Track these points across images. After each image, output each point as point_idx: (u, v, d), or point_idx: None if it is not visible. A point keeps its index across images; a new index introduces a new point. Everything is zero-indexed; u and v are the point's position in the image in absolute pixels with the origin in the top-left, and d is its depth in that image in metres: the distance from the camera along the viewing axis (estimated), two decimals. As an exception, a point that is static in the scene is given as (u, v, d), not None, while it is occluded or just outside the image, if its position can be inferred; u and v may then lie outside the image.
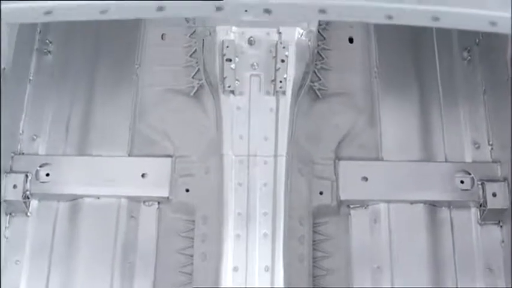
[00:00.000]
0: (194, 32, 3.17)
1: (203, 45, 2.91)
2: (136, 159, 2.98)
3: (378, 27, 3.25)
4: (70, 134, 3.07)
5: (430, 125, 3.07)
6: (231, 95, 2.75)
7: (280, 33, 2.77)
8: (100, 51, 3.23)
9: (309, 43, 2.87)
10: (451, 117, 3.06)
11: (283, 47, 2.73)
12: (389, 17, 2.30)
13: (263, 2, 2.32)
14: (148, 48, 3.20)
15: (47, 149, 3.07)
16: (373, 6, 2.33)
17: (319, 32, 3.09)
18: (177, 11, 2.36)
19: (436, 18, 2.30)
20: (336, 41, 3.21)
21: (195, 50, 3.15)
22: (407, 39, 3.25)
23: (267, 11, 2.30)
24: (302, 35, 2.81)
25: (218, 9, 2.29)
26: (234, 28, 2.77)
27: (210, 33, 2.82)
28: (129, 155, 3.00)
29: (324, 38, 3.22)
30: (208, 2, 2.31)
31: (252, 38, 2.76)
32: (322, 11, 2.31)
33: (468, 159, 3.00)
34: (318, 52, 3.13)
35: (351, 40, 3.24)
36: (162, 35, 3.23)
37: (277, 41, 2.75)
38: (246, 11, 2.30)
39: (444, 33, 3.23)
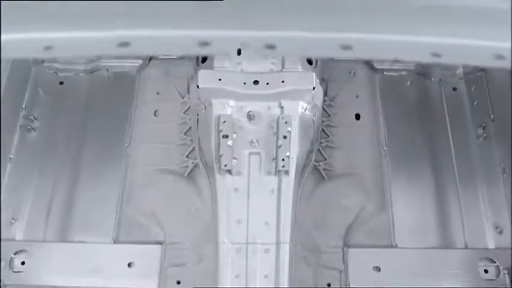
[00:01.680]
0: (189, 108, 3.02)
1: (198, 121, 2.71)
2: (123, 247, 2.74)
3: (386, 103, 3.14)
4: (51, 217, 2.85)
5: (447, 208, 2.87)
6: (228, 175, 2.52)
7: (282, 107, 2.58)
8: (88, 129, 3.09)
9: (314, 118, 2.69)
10: (469, 199, 2.88)
11: (286, 122, 2.54)
12: (436, 55, 1.87)
13: (265, 34, 1.90)
14: (140, 125, 3.06)
15: (25, 233, 2.82)
16: (415, 42, 1.89)
17: (323, 108, 2.97)
18: (145, 48, 1.97)
19: (499, 57, 1.88)
20: (342, 118, 3.07)
21: (190, 127, 2.99)
22: (417, 115, 3.14)
23: (270, 47, 1.90)
24: (306, 109, 2.63)
25: (203, 44, 1.89)
26: (231, 102, 2.58)
27: (206, 107, 2.63)
28: (114, 242, 2.76)
29: (329, 115, 3.08)
30: (190, 34, 1.91)
31: (251, 113, 2.57)
32: (346, 47, 1.88)
33: (491, 245, 2.78)
34: (322, 129, 3.00)
35: (357, 117, 3.09)
36: (154, 112, 3.10)
37: (279, 116, 2.55)
38: (242, 46, 1.89)
39: (456, 109, 3.14)
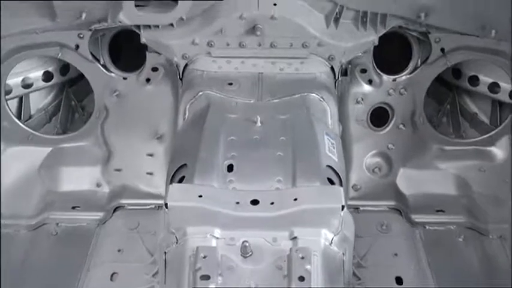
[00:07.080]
0: (158, 272, 2.35)
1: (165, 264, 1.89)
2: None
3: (436, 265, 2.57)
4: None
5: None
6: None
7: (295, 238, 1.80)
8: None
9: (344, 258, 1.87)
10: None
11: (302, 258, 1.73)
12: None
13: None
14: None
15: None
16: None
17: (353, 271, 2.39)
18: None
19: None
20: (378, 282, 2.45)
21: (158, 293, 2.32)
22: (480, 280, 2.54)
23: None
24: (332, 242, 1.84)
25: None
26: (217, 230, 1.80)
27: (177, 240, 1.83)
28: None
29: (359, 279, 2.47)
30: None
31: (247, 244, 1.76)
32: None
33: None
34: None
35: (399, 281, 2.46)
36: (111, 275, 2.46)
37: (290, 249, 1.77)
38: None
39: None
